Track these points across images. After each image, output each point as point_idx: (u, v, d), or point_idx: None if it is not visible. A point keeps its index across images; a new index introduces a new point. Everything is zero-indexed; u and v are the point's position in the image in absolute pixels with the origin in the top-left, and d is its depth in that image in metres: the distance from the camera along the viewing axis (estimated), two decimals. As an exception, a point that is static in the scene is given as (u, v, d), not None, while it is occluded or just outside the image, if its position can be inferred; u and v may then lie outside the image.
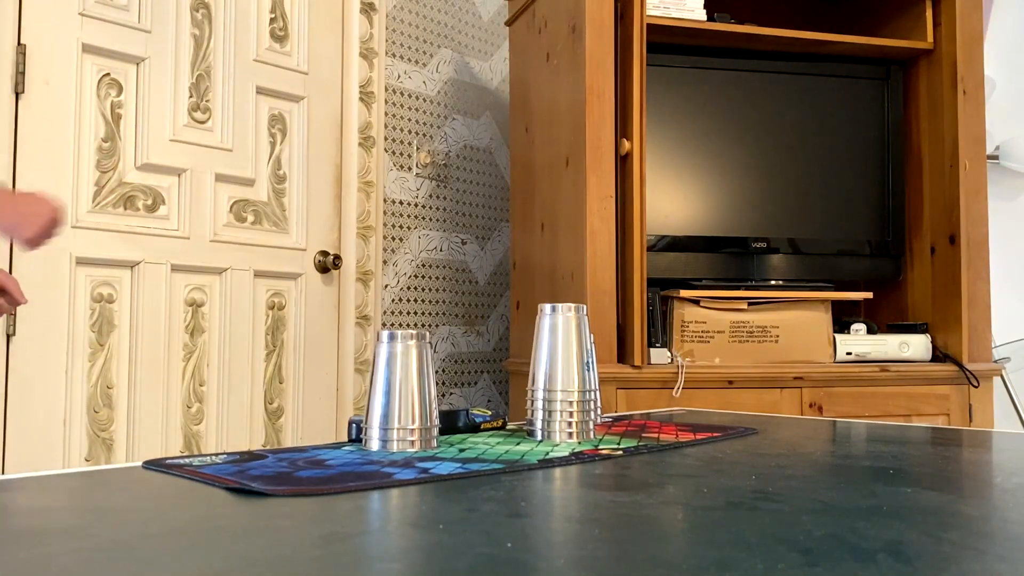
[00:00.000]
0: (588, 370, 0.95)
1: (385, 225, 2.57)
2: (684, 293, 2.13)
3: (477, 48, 2.90)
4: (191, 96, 2.19)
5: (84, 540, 0.53)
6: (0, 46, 1.88)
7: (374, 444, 0.86)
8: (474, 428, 1.02)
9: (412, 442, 0.86)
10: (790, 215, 2.32)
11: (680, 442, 0.94)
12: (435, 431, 0.89)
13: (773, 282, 2.26)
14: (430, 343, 0.91)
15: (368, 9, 2.57)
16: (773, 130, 2.32)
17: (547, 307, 0.96)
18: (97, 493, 0.70)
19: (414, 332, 0.89)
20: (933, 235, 2.32)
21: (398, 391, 0.86)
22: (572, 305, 0.96)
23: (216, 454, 0.83)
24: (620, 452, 0.86)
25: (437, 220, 2.73)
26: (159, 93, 2.13)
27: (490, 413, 1.05)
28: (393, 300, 2.58)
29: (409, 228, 2.65)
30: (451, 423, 1.01)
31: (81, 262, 1.98)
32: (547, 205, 2.32)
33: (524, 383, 0.96)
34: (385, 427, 0.86)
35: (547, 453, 0.84)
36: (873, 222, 2.36)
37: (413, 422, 0.86)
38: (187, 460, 0.79)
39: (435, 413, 0.89)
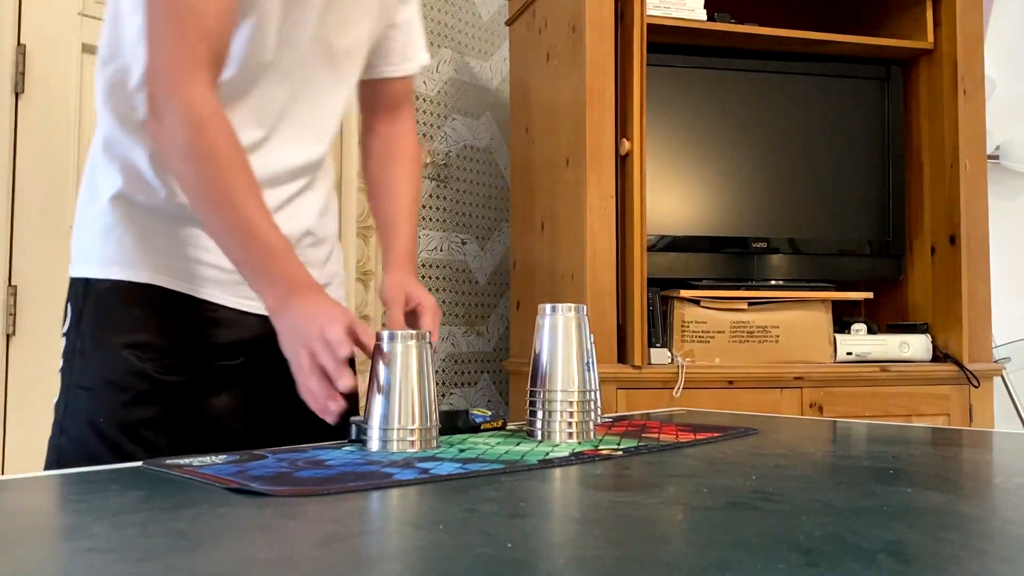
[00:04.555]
0: (588, 370, 0.95)
1: (385, 225, 2.57)
2: (684, 293, 2.13)
3: (477, 48, 2.90)
4: (191, 96, 2.18)
5: (84, 540, 0.54)
6: (0, 46, 1.88)
7: (374, 444, 0.86)
8: (474, 428, 1.02)
9: (412, 442, 0.85)
10: (790, 215, 2.32)
11: (680, 442, 0.94)
12: (435, 431, 0.88)
13: (773, 282, 2.26)
14: (430, 343, 0.90)
15: (368, 9, 2.57)
16: (773, 130, 2.32)
17: (547, 307, 0.96)
18: (97, 493, 0.70)
19: (414, 332, 0.88)
20: (933, 235, 2.32)
21: (398, 391, 0.85)
22: (572, 305, 0.96)
23: (216, 454, 0.83)
24: (620, 452, 0.86)
25: (437, 220, 2.73)
26: (159, 93, 2.12)
27: (490, 413, 1.05)
28: (393, 300, 2.58)
29: (409, 228, 2.65)
30: (451, 423, 1.00)
31: (81, 262, 1.98)
32: (547, 205, 2.32)
33: (524, 383, 0.95)
34: (385, 427, 0.85)
35: (547, 453, 0.84)
36: (873, 222, 2.36)
37: (413, 422, 0.85)
38: (187, 460, 0.79)
39: (435, 413, 0.88)
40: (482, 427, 1.03)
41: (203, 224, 1.02)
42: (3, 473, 1.85)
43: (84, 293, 1.04)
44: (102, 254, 1.04)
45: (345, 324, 0.87)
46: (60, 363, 1.05)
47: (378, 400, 0.86)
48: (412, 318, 1.11)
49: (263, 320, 1.10)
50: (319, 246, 1.17)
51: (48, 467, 1.01)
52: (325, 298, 0.93)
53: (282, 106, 1.07)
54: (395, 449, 0.84)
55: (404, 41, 1.23)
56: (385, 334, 0.87)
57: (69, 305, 1.06)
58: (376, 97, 1.25)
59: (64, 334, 1.05)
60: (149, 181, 1.04)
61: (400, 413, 0.85)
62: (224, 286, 1.07)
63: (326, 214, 1.20)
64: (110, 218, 1.05)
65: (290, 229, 1.06)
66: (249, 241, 0.92)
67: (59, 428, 1.02)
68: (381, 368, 0.86)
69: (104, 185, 1.06)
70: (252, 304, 1.08)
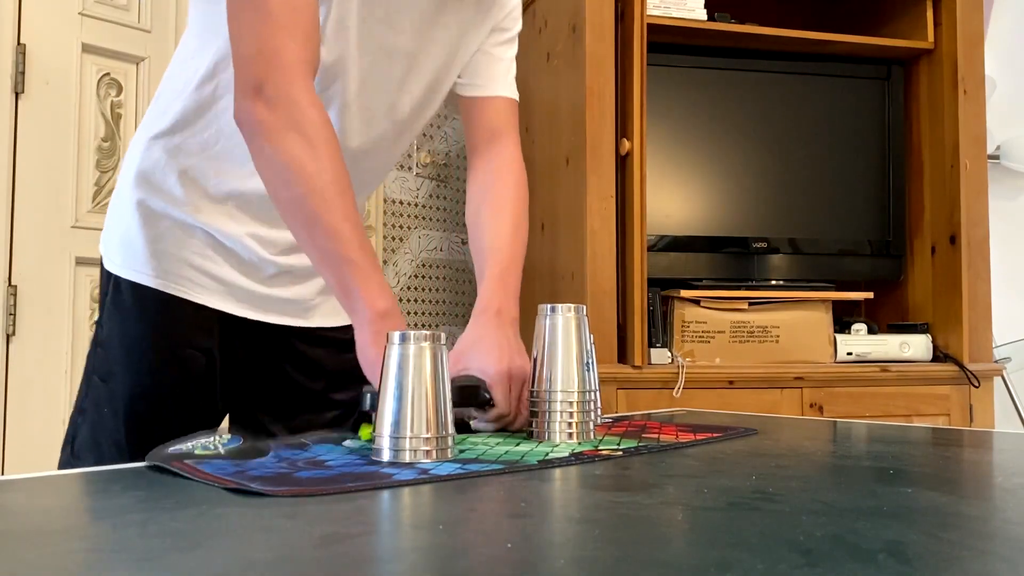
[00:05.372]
0: (588, 370, 0.95)
1: (385, 225, 2.57)
2: (684, 293, 2.13)
3: (477, 48, 2.90)
4: (191, 96, 2.19)
5: (84, 540, 0.53)
6: (0, 46, 1.88)
7: (385, 455, 0.80)
8: (484, 403, 0.96)
9: (427, 452, 0.79)
10: (790, 215, 2.32)
11: (680, 442, 0.94)
12: (451, 440, 0.82)
13: (774, 282, 2.26)
14: (445, 344, 0.82)
15: (368, 9, 2.57)
16: (773, 130, 2.32)
17: (547, 307, 0.96)
18: (97, 493, 0.70)
19: (428, 333, 0.80)
20: (934, 235, 2.32)
21: (410, 397, 0.79)
22: (572, 305, 0.96)
23: (220, 434, 0.82)
24: (620, 453, 0.86)
25: (437, 220, 2.73)
26: (159, 93, 2.13)
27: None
28: (393, 300, 2.58)
29: (409, 228, 2.65)
30: (463, 400, 0.94)
31: (81, 262, 1.98)
32: (547, 205, 2.32)
33: (524, 383, 0.97)
34: (396, 436, 0.79)
35: (547, 454, 0.84)
36: (874, 222, 2.36)
37: (427, 431, 0.79)
38: (189, 445, 0.78)
39: (451, 420, 0.82)
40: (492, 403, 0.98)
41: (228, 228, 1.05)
42: (3, 473, 1.85)
43: (107, 287, 1.09)
44: (120, 253, 1.08)
45: None
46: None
47: (389, 406, 0.80)
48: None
49: (266, 328, 1.12)
50: None
51: (66, 440, 1.07)
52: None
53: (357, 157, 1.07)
54: (407, 459, 0.79)
55: (502, 70, 1.15)
56: (396, 335, 0.80)
57: (101, 291, 1.11)
58: (471, 126, 1.17)
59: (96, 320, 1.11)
60: (171, 188, 1.05)
61: (413, 421, 0.79)
62: (225, 296, 1.08)
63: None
64: (131, 220, 1.07)
65: None
66: (333, 253, 0.91)
67: (78, 407, 1.08)
68: (392, 371, 0.80)
69: (127, 184, 1.08)
70: (257, 314, 1.10)
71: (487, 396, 0.97)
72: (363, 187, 1.15)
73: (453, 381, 0.88)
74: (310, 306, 1.15)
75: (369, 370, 0.92)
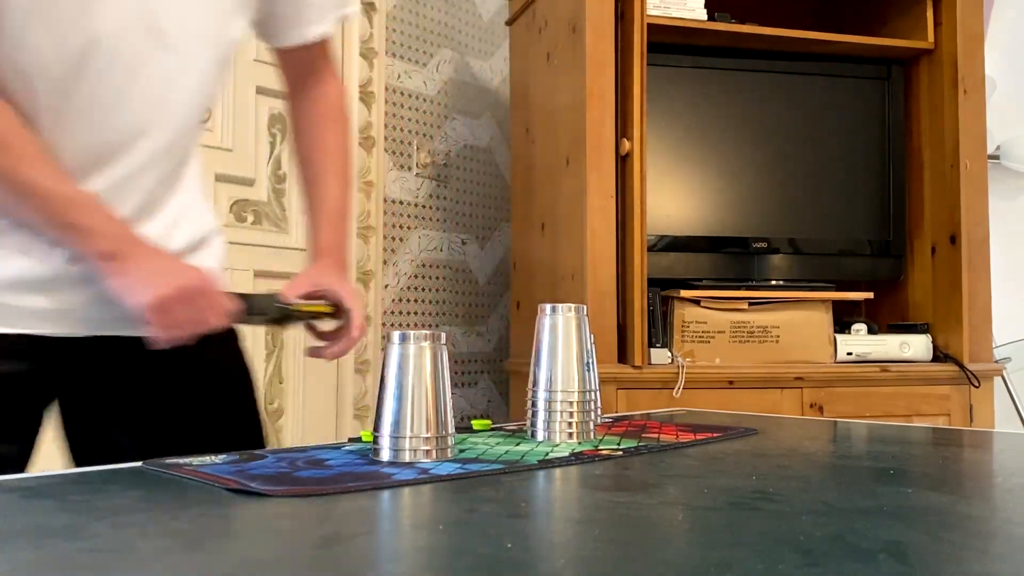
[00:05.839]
0: (588, 370, 0.95)
1: (385, 225, 2.57)
2: (684, 293, 2.13)
3: (477, 48, 2.90)
4: (191, 96, 2.18)
5: (84, 540, 0.53)
6: (0, 46, 1.88)
7: (385, 454, 0.80)
8: (283, 316, 1.01)
9: (427, 451, 0.80)
10: (790, 215, 2.32)
11: (680, 442, 0.94)
12: (451, 440, 0.82)
13: (774, 282, 2.26)
14: (445, 344, 0.83)
15: (368, 9, 2.57)
16: (773, 130, 2.32)
17: (547, 307, 0.96)
18: (97, 493, 0.70)
19: (428, 333, 0.81)
20: (934, 235, 2.32)
21: (410, 397, 0.80)
22: (572, 305, 0.96)
23: (215, 455, 0.82)
24: (620, 452, 0.86)
25: (437, 220, 2.73)
26: (159, 93, 2.12)
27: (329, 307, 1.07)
28: (393, 300, 2.58)
29: (409, 228, 2.65)
30: (260, 309, 0.99)
31: (81, 262, 1.98)
32: (547, 205, 2.32)
33: (524, 383, 0.95)
34: (396, 435, 0.79)
35: (547, 453, 0.84)
36: (874, 222, 2.36)
37: (427, 430, 0.80)
38: (187, 460, 0.79)
39: (451, 420, 0.82)
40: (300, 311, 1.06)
41: None
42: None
43: None
44: None
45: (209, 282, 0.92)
46: None
47: (388, 406, 0.80)
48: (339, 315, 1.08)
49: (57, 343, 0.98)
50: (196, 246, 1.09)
51: None
52: (162, 254, 0.92)
53: (116, 89, 0.93)
54: (407, 459, 0.79)
55: (297, 5, 1.09)
56: (396, 335, 0.81)
57: None
58: (284, 69, 1.16)
59: None
60: None
61: (413, 421, 0.79)
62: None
63: (188, 214, 1.08)
64: None
65: (157, 228, 0.99)
66: (40, 203, 0.87)
67: None
68: (392, 371, 0.81)
69: None
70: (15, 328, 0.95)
71: (343, 306, 1.07)
72: (168, 121, 0.98)
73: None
74: (83, 317, 0.98)
75: (129, 302, 0.90)
